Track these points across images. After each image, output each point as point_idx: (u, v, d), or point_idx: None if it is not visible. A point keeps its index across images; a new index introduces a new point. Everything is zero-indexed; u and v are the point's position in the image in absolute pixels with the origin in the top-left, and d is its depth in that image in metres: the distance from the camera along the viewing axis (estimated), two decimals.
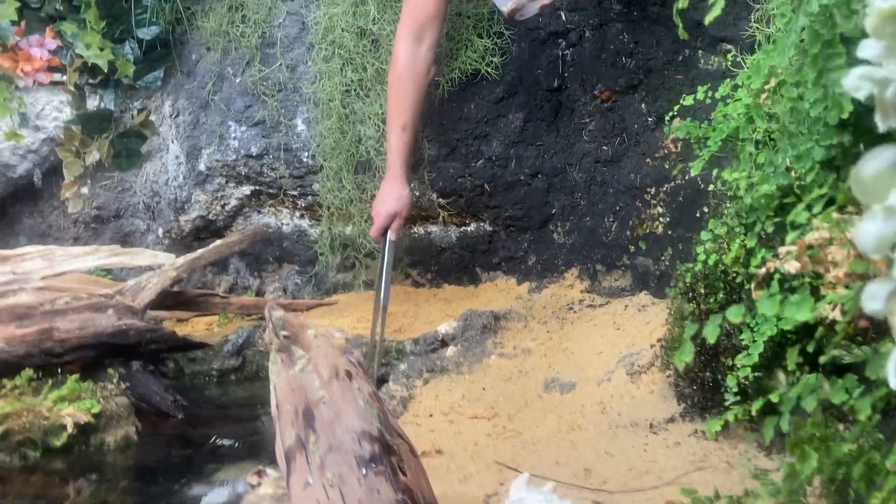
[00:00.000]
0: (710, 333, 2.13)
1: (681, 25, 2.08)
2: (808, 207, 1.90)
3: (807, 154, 2.07)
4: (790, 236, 1.86)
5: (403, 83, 4.62)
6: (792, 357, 1.97)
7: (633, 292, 4.79)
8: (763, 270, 1.98)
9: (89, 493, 3.62)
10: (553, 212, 5.09)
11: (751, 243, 2.41)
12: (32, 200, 6.07)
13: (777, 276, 1.96)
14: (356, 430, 2.40)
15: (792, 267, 2.00)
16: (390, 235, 4.69)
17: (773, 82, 2.38)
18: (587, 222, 4.99)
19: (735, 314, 2.05)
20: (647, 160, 4.68)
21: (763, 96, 2.51)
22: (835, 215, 1.85)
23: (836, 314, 1.77)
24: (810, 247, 2.01)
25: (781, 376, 2.12)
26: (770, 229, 2.37)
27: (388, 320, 5.64)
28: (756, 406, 2.14)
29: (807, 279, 1.95)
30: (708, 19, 2.15)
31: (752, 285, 2.10)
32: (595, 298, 4.96)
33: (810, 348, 1.99)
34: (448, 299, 5.59)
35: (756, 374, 2.95)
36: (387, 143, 4.71)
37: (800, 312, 1.83)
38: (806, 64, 2.01)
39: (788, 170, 2.15)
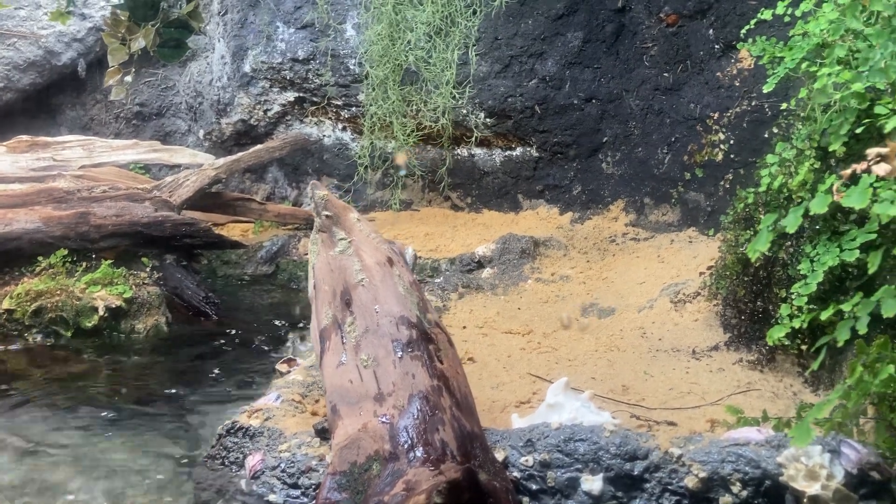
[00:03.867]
0: (791, 223, 1.99)
1: None
2: None
3: None
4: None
5: None
6: (874, 260, 1.82)
7: (681, 228, 4.63)
8: (848, 172, 1.83)
9: (117, 375, 3.60)
10: (604, 140, 4.91)
11: (835, 145, 2.24)
12: (75, 92, 6.01)
13: (865, 176, 1.81)
14: (394, 315, 2.31)
15: (881, 170, 1.85)
16: None
17: None
18: (639, 153, 4.81)
19: (819, 205, 1.90)
20: (711, 90, 4.46)
21: None
22: None
23: None
24: None
25: None
26: (859, 130, 2.20)
27: (425, 240, 5.56)
28: (827, 314, 2.01)
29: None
30: None
31: (835, 188, 1.94)
32: (640, 232, 4.81)
33: None
34: (487, 224, 5.46)
35: (811, 306, 2.81)
36: None
37: (893, 208, 1.69)
38: None
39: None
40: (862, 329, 1.73)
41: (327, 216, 2.51)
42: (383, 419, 2.09)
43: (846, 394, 1.96)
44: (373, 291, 2.37)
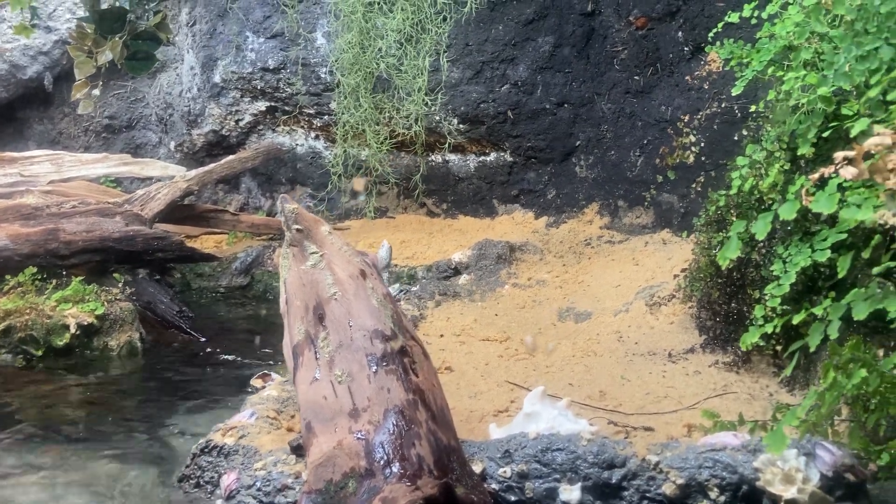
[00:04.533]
0: (760, 230, 2.00)
1: None
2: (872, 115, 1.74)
3: (873, 54, 1.91)
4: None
5: None
6: (844, 264, 1.83)
7: (655, 230, 4.65)
8: (816, 175, 1.83)
9: (89, 394, 3.54)
10: (577, 144, 4.92)
11: (804, 148, 2.26)
12: (42, 106, 5.92)
13: (833, 179, 1.82)
14: (368, 329, 2.29)
15: (848, 173, 1.86)
16: None
17: None
18: (612, 156, 4.83)
19: (787, 211, 1.90)
20: (681, 92, 4.49)
21: None
22: None
23: None
24: (869, 154, 1.86)
25: None
26: (826, 133, 2.21)
27: (401, 248, 5.54)
28: (799, 318, 2.02)
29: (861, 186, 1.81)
30: None
31: (803, 191, 1.95)
32: (615, 235, 4.83)
33: (866, 255, 1.85)
34: (463, 230, 5.45)
35: (784, 307, 2.82)
36: None
37: (860, 213, 1.69)
38: None
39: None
40: (833, 333, 1.74)
41: (298, 230, 2.48)
42: (358, 435, 2.07)
43: (820, 396, 1.97)
44: (346, 305, 2.35)
